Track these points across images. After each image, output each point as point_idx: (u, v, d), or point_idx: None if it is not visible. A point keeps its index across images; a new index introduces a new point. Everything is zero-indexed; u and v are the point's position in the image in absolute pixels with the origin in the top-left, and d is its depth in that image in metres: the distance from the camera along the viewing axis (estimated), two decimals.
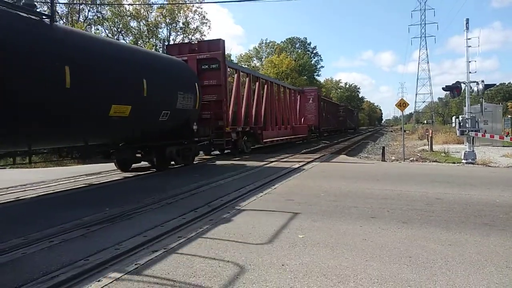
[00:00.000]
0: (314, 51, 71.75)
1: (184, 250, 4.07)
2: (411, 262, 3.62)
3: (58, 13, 32.55)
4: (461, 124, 13.09)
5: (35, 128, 7.11)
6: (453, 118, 14.90)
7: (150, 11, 35.50)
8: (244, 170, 10.81)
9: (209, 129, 13.71)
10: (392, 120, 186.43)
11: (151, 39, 34.76)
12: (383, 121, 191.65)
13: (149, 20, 35.41)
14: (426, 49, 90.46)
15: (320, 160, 13.40)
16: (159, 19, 35.57)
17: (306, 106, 29.92)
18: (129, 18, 34.73)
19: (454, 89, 13.56)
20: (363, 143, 29.38)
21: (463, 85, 13.33)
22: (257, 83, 20.67)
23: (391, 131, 66.13)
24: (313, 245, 4.15)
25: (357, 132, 58.19)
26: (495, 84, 20.70)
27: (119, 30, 35.68)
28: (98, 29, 34.93)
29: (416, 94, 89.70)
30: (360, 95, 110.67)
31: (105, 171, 11.14)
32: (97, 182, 9.34)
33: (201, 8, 35.92)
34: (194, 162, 13.26)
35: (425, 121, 77.12)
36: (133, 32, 35.44)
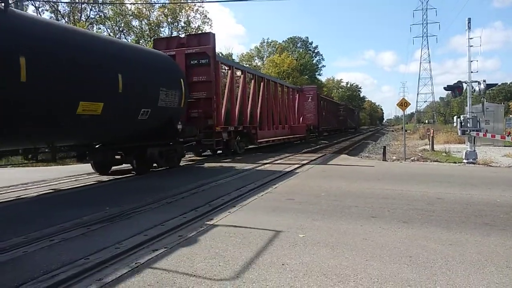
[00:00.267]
0: (316, 51, 71.87)
1: (184, 249, 4.07)
2: (412, 262, 3.62)
3: (60, 12, 32.65)
4: (463, 123, 13.06)
5: None
6: (455, 117, 14.86)
7: (152, 10, 35.56)
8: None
9: (196, 129, 12.82)
10: (393, 119, 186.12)
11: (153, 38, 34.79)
12: (384, 121, 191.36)
13: (151, 19, 35.45)
14: (428, 49, 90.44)
15: (316, 163, 12.74)
16: (160, 18, 35.61)
17: (305, 105, 29.35)
18: (131, 17, 34.79)
19: (455, 88, 13.53)
20: (363, 143, 28.92)
21: (464, 85, 13.31)
22: (252, 81, 19.95)
23: (392, 131, 66.03)
24: (313, 245, 4.14)
25: (358, 132, 58.01)
26: (496, 84, 20.69)
27: (121, 29, 35.74)
28: (100, 28, 35.05)
29: (417, 94, 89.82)
30: (362, 95, 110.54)
31: None
32: (98, 181, 9.36)
33: (203, 8, 35.95)
34: (181, 164, 12.53)
35: (426, 121, 77.05)
36: (134, 31, 35.50)
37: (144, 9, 34.92)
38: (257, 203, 6.43)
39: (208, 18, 36.54)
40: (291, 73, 50.75)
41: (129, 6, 34.51)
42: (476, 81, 13.10)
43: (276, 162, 12.93)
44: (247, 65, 43.55)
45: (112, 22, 34.92)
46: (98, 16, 35.27)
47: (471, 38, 13.09)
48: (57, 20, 29.41)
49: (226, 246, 4.14)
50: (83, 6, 34.03)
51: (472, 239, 4.31)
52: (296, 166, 11.50)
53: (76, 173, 10.60)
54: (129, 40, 33.81)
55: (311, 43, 71.45)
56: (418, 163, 13.61)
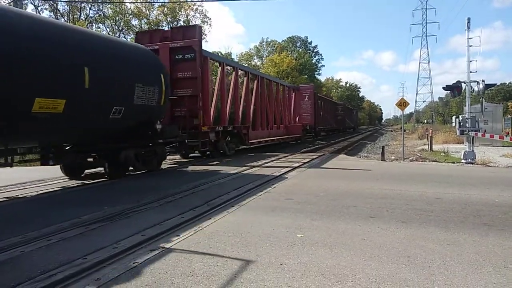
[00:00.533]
0: (315, 50, 71.92)
1: (182, 249, 4.07)
2: (410, 262, 3.62)
3: (59, 11, 32.59)
4: (461, 123, 13.08)
5: None
6: (453, 117, 14.90)
7: (152, 9, 35.52)
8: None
9: (178, 129, 11.92)
10: (392, 119, 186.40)
11: None
12: (383, 121, 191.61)
13: (150, 18, 35.40)
14: (427, 49, 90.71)
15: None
16: (160, 17, 35.57)
17: (302, 104, 28.49)
18: (131, 16, 34.75)
19: (454, 88, 13.55)
20: (362, 143, 28.67)
21: (463, 85, 13.32)
22: (245, 79, 19.07)
23: (391, 131, 66.13)
24: (311, 245, 4.14)
25: (357, 132, 57.98)
26: (495, 84, 20.70)
27: (120, 28, 35.68)
28: (99, 27, 34.97)
29: (416, 94, 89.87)
30: (361, 95, 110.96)
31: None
32: (97, 181, 9.34)
33: (202, 7, 35.91)
34: (164, 167, 11.72)
35: (425, 121, 77.13)
36: (134, 31, 35.43)
37: (144, 8, 34.89)
38: (256, 202, 6.42)
39: (208, 18, 36.59)
40: (291, 72, 50.79)
41: (128, 5, 34.50)
42: (475, 81, 13.12)
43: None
44: (246, 65, 43.45)
45: (112, 21, 34.86)
46: (97, 15, 35.22)
47: (470, 38, 13.10)
48: (57, 19, 29.34)
49: (224, 246, 4.14)
50: (82, 5, 33.97)
51: (470, 239, 4.31)
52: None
53: None
54: (128, 39, 33.79)
55: (310, 43, 71.58)
56: (417, 163, 13.62)
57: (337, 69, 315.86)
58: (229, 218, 5.35)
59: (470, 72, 13.10)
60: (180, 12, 35.51)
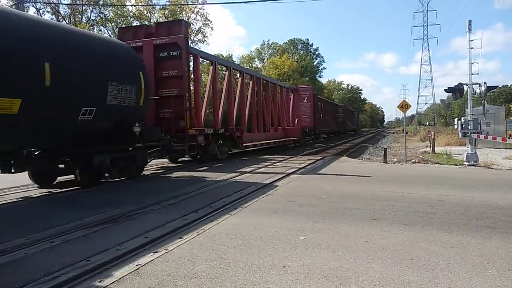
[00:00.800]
0: (316, 53, 71.90)
1: (184, 251, 4.07)
2: (413, 264, 3.61)
3: (60, 13, 32.73)
4: (464, 126, 13.06)
5: None
6: (455, 120, 14.87)
7: (153, 12, 35.61)
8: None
9: (161, 131, 11.04)
10: (394, 121, 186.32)
11: None
12: (385, 123, 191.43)
13: (151, 21, 35.48)
14: (429, 51, 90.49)
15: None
16: (161, 20, 35.64)
17: (301, 106, 27.63)
18: (132, 19, 34.82)
19: (456, 90, 13.54)
20: (363, 146, 27.94)
21: (465, 87, 13.31)
22: (240, 79, 18.16)
23: (393, 133, 66.01)
24: (314, 247, 4.14)
25: (358, 134, 57.73)
26: (497, 86, 20.70)
27: None
28: (100, 30, 35.08)
29: (418, 96, 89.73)
30: (362, 97, 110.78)
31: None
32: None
33: (204, 9, 35.99)
34: (146, 173, 10.87)
35: (427, 123, 76.97)
36: None
37: (145, 11, 34.99)
38: (258, 204, 6.42)
39: (209, 20, 36.61)
40: (292, 75, 50.77)
41: (130, 7, 34.60)
42: (477, 83, 13.10)
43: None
44: (248, 67, 43.47)
45: (113, 23, 34.95)
46: (99, 17, 35.33)
47: (471, 40, 13.10)
48: (58, 21, 29.46)
49: (227, 248, 4.13)
50: (84, 7, 34.11)
51: (474, 241, 4.30)
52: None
53: None
54: None
55: (311, 45, 71.55)
56: (419, 165, 13.60)
57: (339, 71, 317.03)
58: (232, 220, 5.35)
59: (472, 74, 13.09)
60: (181, 15, 35.59)
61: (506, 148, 19.11)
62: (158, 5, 35.46)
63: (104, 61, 8.63)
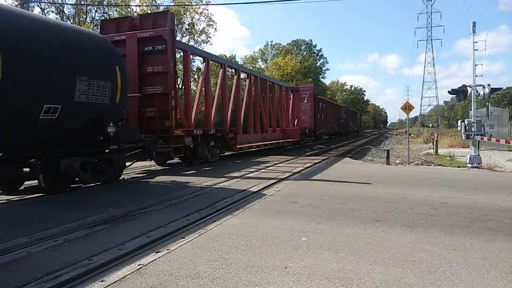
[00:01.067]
0: (320, 54, 71.98)
1: (186, 251, 4.08)
2: (415, 266, 3.60)
3: (65, 13, 32.87)
4: (467, 128, 13.02)
5: None
6: (459, 121, 14.84)
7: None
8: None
9: (141, 132, 10.22)
10: (397, 123, 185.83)
11: None
12: (388, 124, 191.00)
13: None
14: (432, 52, 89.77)
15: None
16: None
17: (301, 106, 26.76)
18: None
19: (460, 92, 13.53)
20: (365, 148, 27.09)
21: (469, 89, 13.29)
22: (235, 77, 17.34)
23: (396, 134, 65.86)
24: (316, 248, 4.13)
25: (361, 136, 57.31)
26: (501, 88, 20.55)
27: None
28: None
29: (421, 97, 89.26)
30: (365, 98, 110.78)
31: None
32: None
33: (207, 10, 36.03)
34: (126, 177, 10.05)
35: (430, 125, 76.86)
36: None
37: (149, 11, 35.07)
38: (261, 205, 6.43)
39: (213, 21, 36.64)
40: (295, 76, 50.77)
41: (134, 7, 34.70)
42: (480, 85, 13.06)
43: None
44: (251, 68, 43.46)
45: None
46: (103, 17, 35.44)
47: (476, 42, 13.06)
48: (63, 21, 29.61)
49: (229, 248, 4.14)
50: (88, 7, 34.25)
51: (477, 244, 4.28)
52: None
53: None
54: None
55: (315, 46, 71.65)
56: (422, 167, 13.57)
57: (342, 72, 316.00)
58: (234, 221, 5.36)
59: (476, 76, 13.06)
60: (185, 15, 35.65)
61: (509, 150, 19.04)
62: (162, 5, 35.53)
63: (72, 53, 7.63)
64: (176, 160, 13.29)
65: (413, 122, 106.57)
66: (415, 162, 14.96)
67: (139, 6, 34.35)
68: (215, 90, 16.23)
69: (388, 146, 31.01)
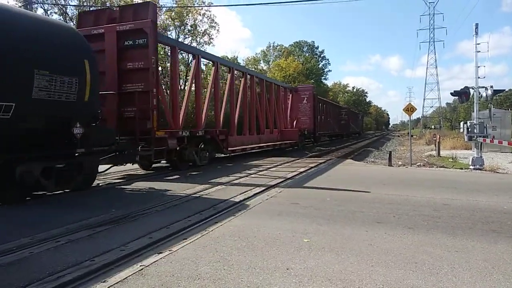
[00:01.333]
0: (322, 55, 71.94)
1: (188, 252, 4.08)
2: (417, 268, 3.59)
3: (68, 14, 32.99)
4: (469, 129, 12.99)
5: None
6: (461, 123, 14.79)
7: (159, 13, 35.77)
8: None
9: (114, 134, 9.20)
10: (399, 124, 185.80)
11: None
12: (390, 126, 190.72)
13: (158, 22, 35.68)
14: (435, 54, 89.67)
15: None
16: (168, 21, 35.81)
17: (300, 106, 25.97)
18: None
19: (462, 94, 13.49)
20: (366, 150, 26.57)
21: (471, 90, 13.25)
22: (229, 75, 16.46)
23: (398, 136, 65.73)
24: (318, 249, 4.13)
25: (362, 137, 56.79)
26: (504, 90, 20.57)
27: None
28: None
29: (424, 99, 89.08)
30: (368, 99, 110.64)
31: (112, 172, 10.99)
32: (104, 183, 9.38)
33: (210, 11, 36.10)
34: (100, 183, 9.18)
35: (432, 126, 76.70)
36: None
37: None
38: (262, 207, 6.43)
39: (216, 23, 36.70)
40: (297, 77, 50.80)
41: None
42: (483, 87, 13.05)
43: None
44: (253, 69, 43.42)
45: None
46: None
47: (478, 44, 13.06)
48: (65, 22, 29.70)
49: (231, 249, 4.14)
50: (91, 9, 34.36)
51: (479, 246, 4.27)
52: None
53: None
54: None
55: (317, 48, 71.60)
56: (424, 168, 13.54)
57: (344, 73, 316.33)
58: (236, 222, 5.36)
59: (478, 77, 13.04)
60: (187, 17, 35.73)
61: None
62: (164, 6, 35.64)
63: (27, 44, 6.64)
64: (164, 163, 12.54)
65: (416, 124, 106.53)
66: (417, 164, 14.93)
67: None
68: (207, 90, 15.47)
69: (390, 147, 31.00)
